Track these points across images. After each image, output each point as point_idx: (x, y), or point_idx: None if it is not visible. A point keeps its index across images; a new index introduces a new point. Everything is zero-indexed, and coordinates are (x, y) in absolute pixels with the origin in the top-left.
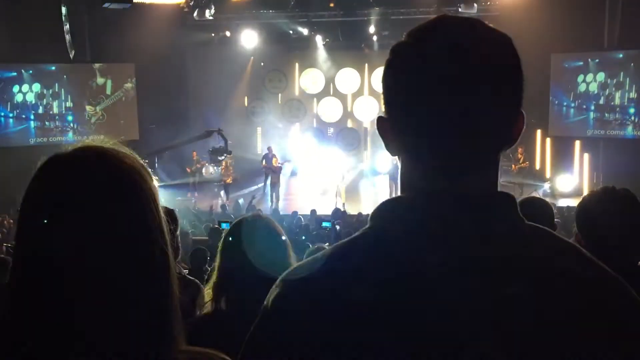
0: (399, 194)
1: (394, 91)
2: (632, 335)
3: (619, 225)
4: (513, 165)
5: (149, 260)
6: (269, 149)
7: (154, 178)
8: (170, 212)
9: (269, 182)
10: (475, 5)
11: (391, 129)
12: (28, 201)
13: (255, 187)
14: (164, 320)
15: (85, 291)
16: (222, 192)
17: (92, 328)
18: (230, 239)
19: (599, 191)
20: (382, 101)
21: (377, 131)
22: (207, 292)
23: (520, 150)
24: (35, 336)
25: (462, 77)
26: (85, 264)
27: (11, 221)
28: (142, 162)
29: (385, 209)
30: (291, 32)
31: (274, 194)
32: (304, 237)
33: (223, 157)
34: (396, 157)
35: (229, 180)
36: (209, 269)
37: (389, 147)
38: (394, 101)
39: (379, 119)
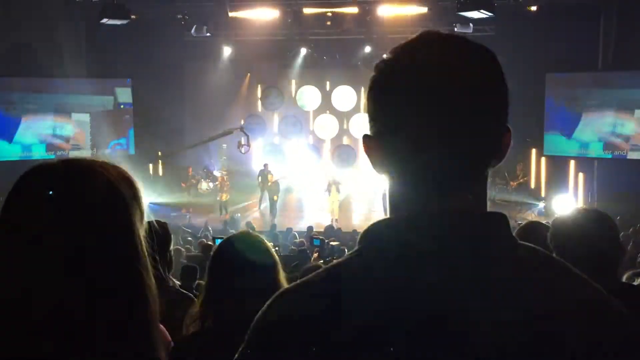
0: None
1: (380, 109)
2: (629, 356)
3: (594, 244)
4: (511, 182)
5: (120, 276)
6: (265, 165)
7: (140, 194)
8: (162, 226)
9: (265, 198)
10: (471, 25)
11: (378, 147)
12: (3, 212)
13: (251, 202)
14: (141, 336)
15: (56, 307)
16: (220, 208)
17: (64, 344)
18: (218, 255)
19: (572, 212)
20: (367, 118)
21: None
22: (195, 310)
23: (519, 167)
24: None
25: (447, 92)
26: (50, 281)
27: None
28: (128, 177)
29: (376, 231)
30: (288, 49)
31: (271, 210)
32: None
33: (246, 151)
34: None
35: (224, 197)
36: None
37: (375, 165)
38: (380, 119)
39: (365, 137)
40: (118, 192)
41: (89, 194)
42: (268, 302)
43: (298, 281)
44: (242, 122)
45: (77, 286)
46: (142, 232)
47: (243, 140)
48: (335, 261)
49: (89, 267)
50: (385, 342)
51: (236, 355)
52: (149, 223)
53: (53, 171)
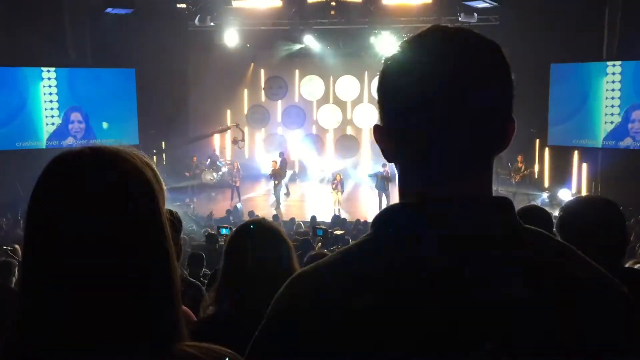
0: (394, 200)
1: (389, 99)
2: (630, 336)
3: (597, 229)
4: (516, 176)
5: (150, 257)
6: (281, 154)
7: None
8: (173, 214)
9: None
10: (475, 14)
11: (388, 136)
12: (33, 199)
13: (254, 193)
14: (168, 316)
15: (88, 287)
16: (235, 194)
17: (99, 323)
18: (233, 241)
19: (578, 199)
20: (378, 109)
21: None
22: (211, 294)
23: (519, 158)
24: (46, 332)
25: (454, 84)
26: (84, 264)
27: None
28: (150, 163)
29: (386, 215)
30: (292, 39)
31: (275, 197)
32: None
33: (242, 146)
34: (392, 164)
35: (238, 183)
36: (209, 273)
37: (386, 154)
38: (390, 109)
39: (376, 127)
40: (144, 177)
41: (117, 179)
42: (285, 284)
43: (313, 264)
44: (246, 111)
45: (106, 266)
46: (165, 214)
47: (239, 136)
48: (347, 246)
49: (120, 250)
50: (396, 326)
51: (255, 336)
52: (169, 210)
53: (82, 157)
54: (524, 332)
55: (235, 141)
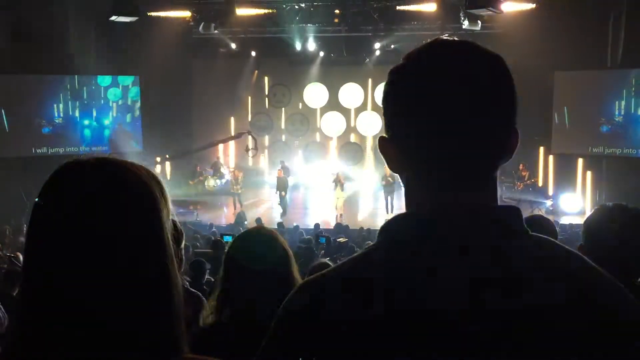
0: (401, 209)
1: (394, 112)
2: (636, 339)
3: (625, 242)
4: (518, 183)
5: (150, 271)
6: (281, 162)
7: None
8: (177, 228)
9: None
10: (479, 22)
11: (393, 148)
12: (36, 206)
13: (257, 199)
14: (167, 330)
15: (89, 301)
16: (237, 202)
17: (96, 337)
18: (233, 250)
19: (609, 206)
20: (383, 121)
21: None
22: (211, 303)
23: (522, 166)
24: (43, 345)
25: (458, 97)
26: (84, 276)
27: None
28: (156, 176)
29: (393, 225)
30: (296, 46)
31: (281, 205)
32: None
33: (254, 154)
34: (399, 175)
35: (239, 190)
36: (212, 280)
37: (391, 165)
38: (395, 121)
39: (381, 138)
40: (149, 189)
41: (123, 190)
42: (292, 293)
43: (320, 272)
44: (249, 119)
45: (106, 279)
46: (168, 228)
47: (251, 144)
48: (355, 254)
49: (119, 262)
50: (403, 334)
51: (262, 345)
52: (173, 222)
53: (87, 168)
54: (536, 338)
55: (247, 149)
